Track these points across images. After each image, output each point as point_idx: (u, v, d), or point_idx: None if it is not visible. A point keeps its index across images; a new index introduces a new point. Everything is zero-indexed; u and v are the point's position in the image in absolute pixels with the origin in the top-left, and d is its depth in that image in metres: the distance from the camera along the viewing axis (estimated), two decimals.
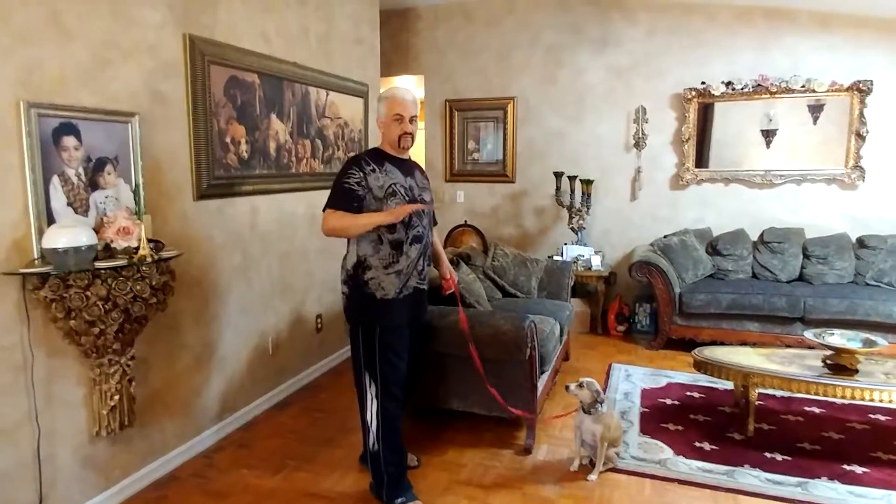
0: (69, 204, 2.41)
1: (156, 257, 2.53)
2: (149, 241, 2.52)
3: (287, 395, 3.97)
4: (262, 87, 3.58)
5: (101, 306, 2.34)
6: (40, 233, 2.28)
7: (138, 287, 2.44)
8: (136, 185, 2.65)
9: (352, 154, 2.60)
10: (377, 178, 2.56)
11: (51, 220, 2.32)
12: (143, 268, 2.47)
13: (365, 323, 2.63)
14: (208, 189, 3.18)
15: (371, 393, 2.65)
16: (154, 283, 2.52)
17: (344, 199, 2.54)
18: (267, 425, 3.55)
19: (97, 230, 2.43)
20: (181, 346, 3.08)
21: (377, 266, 2.57)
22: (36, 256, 2.28)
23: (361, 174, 2.55)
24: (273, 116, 3.70)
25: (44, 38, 2.30)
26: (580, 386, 2.93)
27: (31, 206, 2.26)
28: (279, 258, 3.86)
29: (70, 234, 2.26)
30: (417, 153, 7.00)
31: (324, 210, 2.57)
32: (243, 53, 3.39)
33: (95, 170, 2.51)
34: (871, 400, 3.04)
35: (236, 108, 3.36)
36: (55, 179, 2.35)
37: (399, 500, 2.65)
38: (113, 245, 2.43)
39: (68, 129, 2.39)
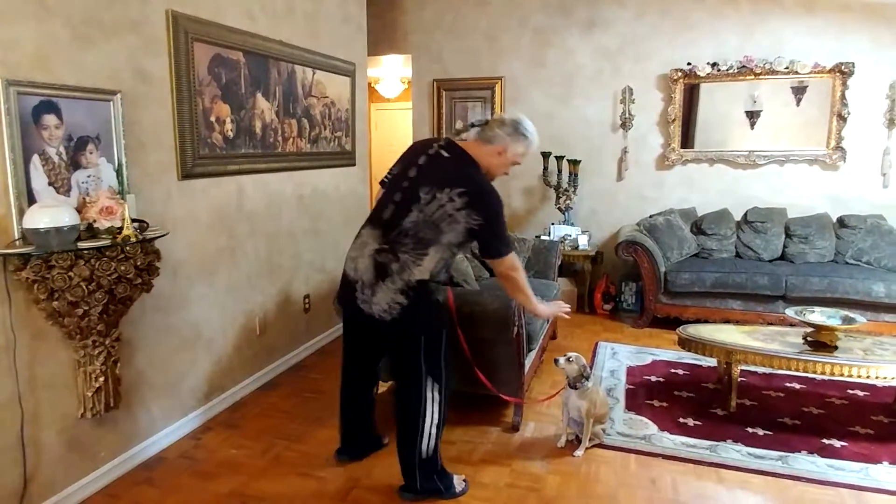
0: (50, 183, 2.37)
1: (140, 237, 2.50)
2: (133, 220, 2.48)
3: (275, 375, 3.97)
4: (248, 66, 3.53)
5: (84, 287, 2.31)
6: (21, 213, 2.24)
7: (122, 267, 2.42)
8: (118, 164, 2.61)
9: (488, 184, 2.46)
10: None
11: (31, 200, 2.28)
12: (127, 248, 2.44)
13: (432, 331, 2.52)
14: (193, 168, 3.14)
15: (433, 397, 2.54)
16: (139, 263, 2.49)
17: (510, 238, 2.52)
18: (255, 406, 3.56)
19: (79, 210, 2.40)
20: (167, 327, 3.06)
21: (436, 279, 2.46)
22: (16, 237, 2.25)
23: None
24: (258, 95, 3.65)
25: (22, 14, 2.25)
26: (568, 360, 2.97)
27: (10, 185, 2.22)
28: (266, 238, 3.84)
29: (52, 213, 2.22)
30: (405, 133, 6.98)
31: (507, 252, 2.46)
32: (228, 31, 3.33)
33: (77, 149, 2.47)
34: (850, 376, 3.11)
35: (221, 87, 3.32)
36: (35, 159, 2.30)
37: (456, 477, 2.69)
38: (96, 225, 2.40)
39: (49, 107, 2.34)
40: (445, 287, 2.54)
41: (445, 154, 2.47)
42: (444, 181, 2.35)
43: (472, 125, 2.56)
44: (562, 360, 2.99)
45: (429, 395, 2.52)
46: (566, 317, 2.91)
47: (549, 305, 2.85)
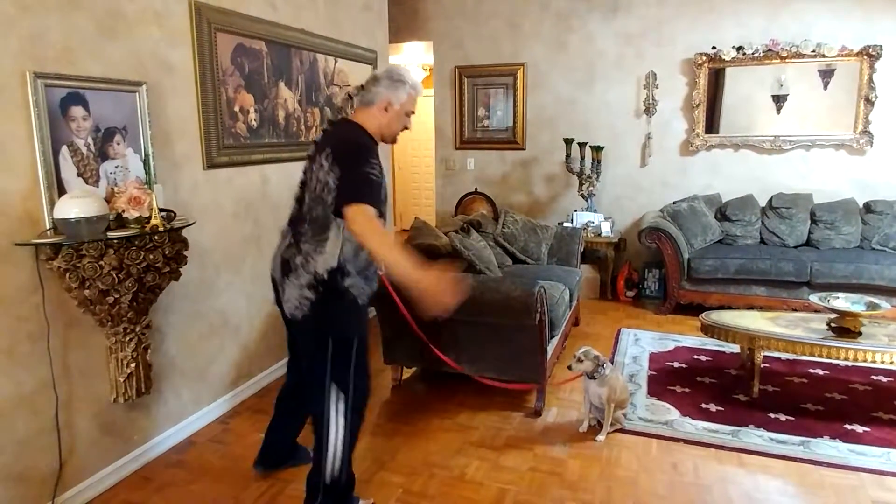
0: (79, 174, 2.42)
1: (167, 226, 2.55)
2: (160, 210, 2.54)
3: None
4: (270, 55, 3.56)
5: (114, 275, 2.36)
6: (51, 203, 2.29)
7: (151, 256, 2.47)
8: (145, 154, 2.66)
9: (359, 138, 2.28)
10: (382, 174, 2.22)
11: (61, 191, 2.34)
12: (156, 237, 2.49)
13: (342, 334, 2.28)
14: (218, 158, 3.19)
15: (338, 410, 2.27)
16: (167, 252, 2.54)
17: (376, 193, 2.11)
18: None
19: (108, 200, 2.45)
20: (195, 315, 3.12)
21: (353, 272, 2.21)
22: (48, 227, 2.31)
23: (379, 168, 2.17)
24: (281, 84, 3.68)
25: (48, 6, 2.29)
26: (579, 360, 3.00)
27: (41, 176, 2.28)
28: None
29: (82, 204, 2.27)
30: (427, 120, 6.96)
31: (355, 201, 2.03)
32: (250, 20, 3.36)
33: (105, 140, 2.52)
34: (874, 361, 3.08)
35: (244, 77, 3.35)
36: (64, 150, 2.36)
37: (363, 502, 2.47)
38: (125, 215, 2.44)
39: (76, 98, 2.39)
40: (367, 287, 2.27)
41: (327, 129, 2.43)
42: (318, 151, 2.24)
43: (350, 97, 2.47)
44: (573, 363, 3.02)
45: (332, 407, 2.27)
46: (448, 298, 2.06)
47: (432, 274, 2.05)
